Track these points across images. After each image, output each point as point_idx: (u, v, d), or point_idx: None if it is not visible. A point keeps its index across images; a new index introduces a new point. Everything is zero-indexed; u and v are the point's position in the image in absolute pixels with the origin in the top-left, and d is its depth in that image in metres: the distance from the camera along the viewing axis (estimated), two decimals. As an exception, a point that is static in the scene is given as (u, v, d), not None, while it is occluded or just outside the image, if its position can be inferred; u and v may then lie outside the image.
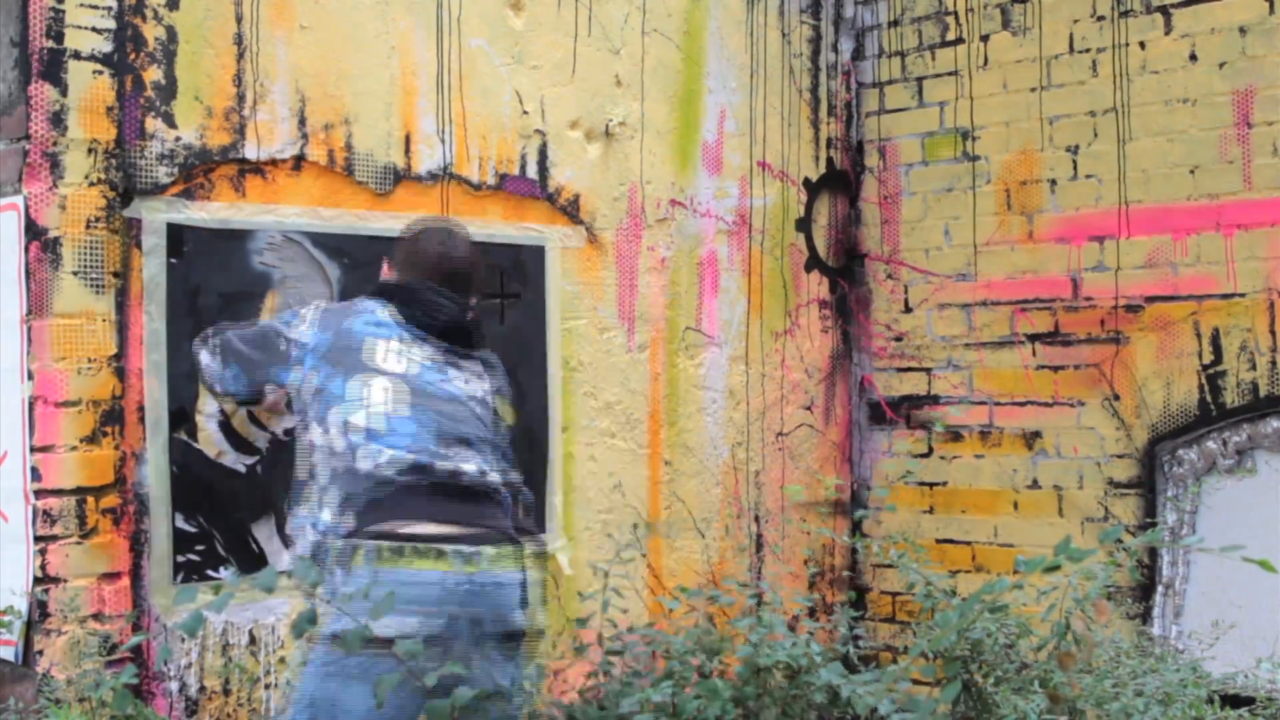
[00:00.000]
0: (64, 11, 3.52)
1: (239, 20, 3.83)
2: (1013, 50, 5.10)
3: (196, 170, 3.75)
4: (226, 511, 3.77)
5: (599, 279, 4.69)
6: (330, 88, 4.02)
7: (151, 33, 3.67)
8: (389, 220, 4.06)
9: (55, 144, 3.51)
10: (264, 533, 3.81)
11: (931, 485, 5.30)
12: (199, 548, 3.71)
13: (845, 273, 5.53)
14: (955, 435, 5.21)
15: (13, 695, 3.47)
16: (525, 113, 4.48)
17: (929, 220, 5.31)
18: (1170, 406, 4.72)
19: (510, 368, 4.42)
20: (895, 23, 5.42)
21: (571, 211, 4.61)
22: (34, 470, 3.48)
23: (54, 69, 3.51)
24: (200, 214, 3.76)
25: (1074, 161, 4.95)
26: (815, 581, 5.36)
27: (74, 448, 3.51)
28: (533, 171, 4.50)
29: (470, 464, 3.13)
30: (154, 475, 3.64)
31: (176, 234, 3.70)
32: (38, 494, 3.48)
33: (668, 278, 4.91)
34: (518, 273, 4.45)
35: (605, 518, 4.68)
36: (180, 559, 3.68)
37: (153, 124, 3.67)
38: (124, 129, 3.62)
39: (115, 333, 3.59)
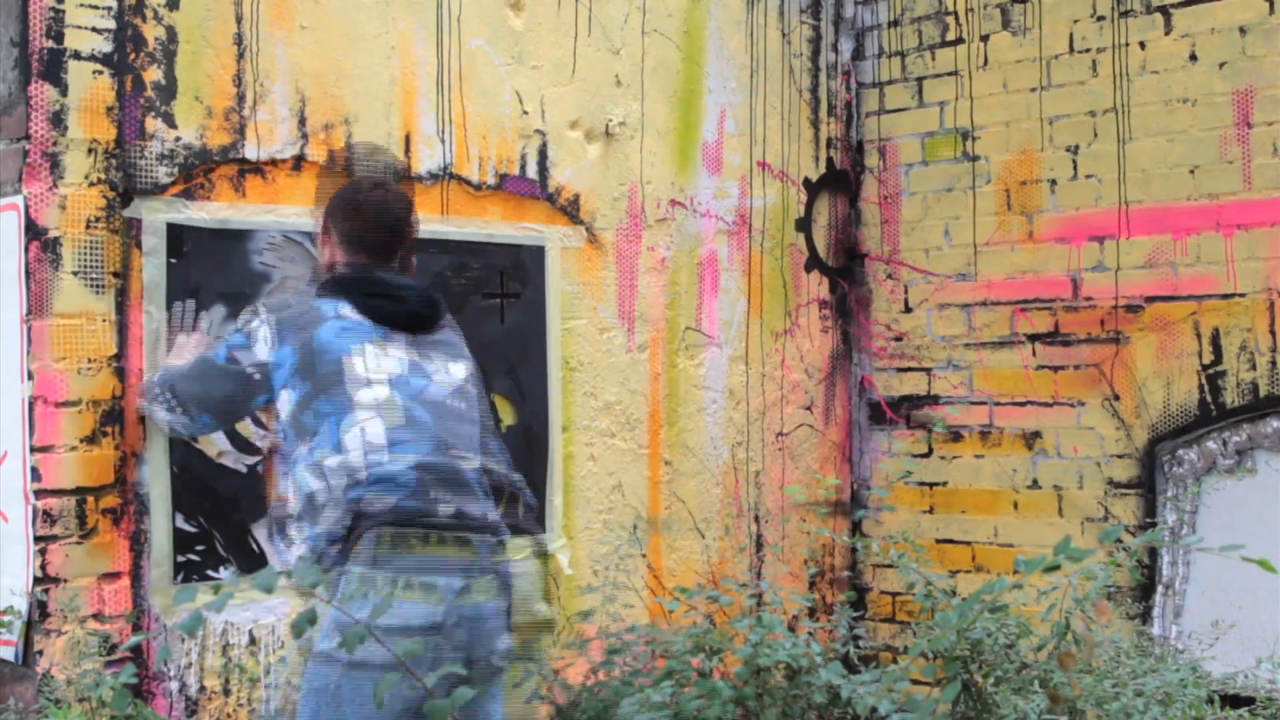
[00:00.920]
0: (64, 11, 3.52)
1: (239, 20, 3.83)
2: (1013, 50, 5.09)
3: (196, 170, 3.75)
4: (226, 511, 3.76)
5: (599, 279, 4.69)
6: (330, 88, 4.02)
7: (151, 33, 3.67)
8: (389, 220, 4.05)
9: (55, 144, 3.51)
10: (264, 533, 3.81)
11: (931, 485, 5.29)
12: (199, 548, 3.71)
13: (845, 273, 5.53)
14: (955, 435, 5.21)
15: (13, 695, 3.47)
16: (525, 113, 4.48)
17: (929, 220, 5.31)
18: (1170, 406, 4.72)
19: (510, 367, 4.45)
20: (895, 23, 5.42)
21: (571, 211, 4.61)
22: (34, 470, 3.48)
23: (54, 69, 3.51)
24: (200, 214, 3.76)
25: (1074, 161, 4.95)
26: (815, 581, 5.35)
27: (74, 448, 3.51)
28: (533, 171, 4.50)
29: (471, 463, 3.12)
30: (154, 475, 3.64)
31: (176, 234, 3.70)
32: (38, 494, 3.48)
33: (668, 278, 4.91)
34: (518, 273, 4.45)
35: (605, 517, 4.68)
36: (180, 559, 3.68)
37: (153, 124, 3.67)
38: (124, 129, 3.62)
39: (115, 333, 3.59)
